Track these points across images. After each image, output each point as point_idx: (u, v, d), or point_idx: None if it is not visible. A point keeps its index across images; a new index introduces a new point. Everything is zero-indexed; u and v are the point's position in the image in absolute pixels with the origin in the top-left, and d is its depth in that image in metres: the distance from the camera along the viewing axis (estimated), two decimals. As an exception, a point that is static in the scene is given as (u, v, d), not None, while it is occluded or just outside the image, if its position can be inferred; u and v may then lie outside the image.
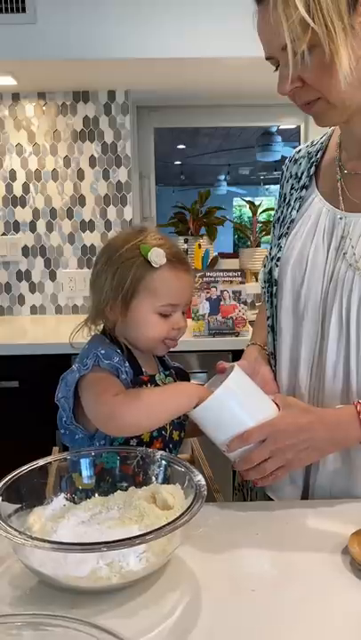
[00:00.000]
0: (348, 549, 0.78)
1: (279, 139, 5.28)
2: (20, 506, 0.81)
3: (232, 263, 2.84)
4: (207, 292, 2.19)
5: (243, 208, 7.64)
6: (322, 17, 0.80)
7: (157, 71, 2.32)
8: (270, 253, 1.13)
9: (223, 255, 3.04)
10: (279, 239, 1.08)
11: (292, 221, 1.06)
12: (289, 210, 1.09)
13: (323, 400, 1.00)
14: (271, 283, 1.07)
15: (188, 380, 1.11)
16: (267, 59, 0.93)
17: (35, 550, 0.69)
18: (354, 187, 1.00)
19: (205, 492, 0.78)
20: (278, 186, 1.19)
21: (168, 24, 2.10)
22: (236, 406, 0.89)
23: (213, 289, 2.19)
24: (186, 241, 2.81)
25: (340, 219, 0.99)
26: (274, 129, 5.14)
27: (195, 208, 2.90)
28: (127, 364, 0.98)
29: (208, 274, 2.24)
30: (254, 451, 0.88)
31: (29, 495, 0.84)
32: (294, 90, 0.90)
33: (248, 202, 3.14)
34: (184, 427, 1.06)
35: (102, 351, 0.96)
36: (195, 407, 0.89)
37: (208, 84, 2.55)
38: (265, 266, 1.24)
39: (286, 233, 1.06)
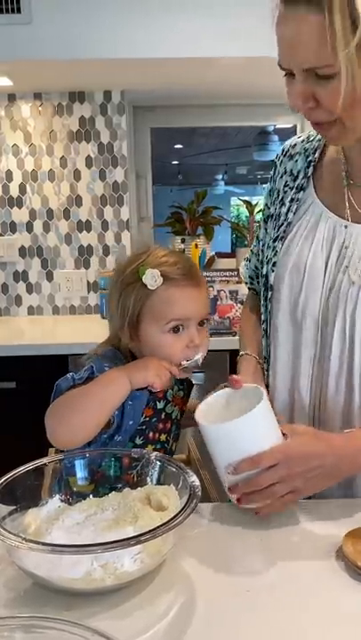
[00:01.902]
0: (342, 549, 0.78)
1: (276, 138, 5.27)
2: (14, 507, 0.81)
3: (229, 263, 2.84)
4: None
5: (240, 207, 7.64)
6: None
7: (154, 71, 2.32)
8: (263, 253, 1.12)
9: (220, 255, 3.04)
10: (275, 242, 1.06)
11: (289, 224, 1.04)
12: (284, 210, 1.06)
13: (325, 412, 0.99)
14: (267, 287, 1.06)
15: (191, 389, 1.11)
16: (280, 66, 0.88)
17: (29, 552, 0.69)
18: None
19: (200, 493, 0.78)
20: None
21: (164, 24, 2.09)
22: (259, 430, 0.85)
23: (210, 289, 2.19)
24: (183, 241, 2.81)
25: (345, 227, 0.97)
26: (271, 128, 5.14)
27: (192, 208, 2.90)
28: None
29: (205, 274, 2.24)
30: (263, 474, 0.83)
31: (24, 497, 0.84)
32: (307, 109, 0.87)
33: (245, 201, 3.14)
34: (178, 437, 1.07)
35: (106, 368, 0.95)
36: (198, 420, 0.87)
37: (204, 83, 2.55)
38: (249, 260, 1.23)
39: (282, 237, 1.04)
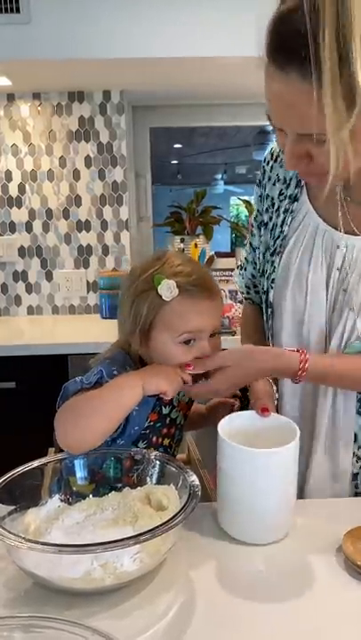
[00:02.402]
0: (341, 548, 0.79)
1: (275, 137, 5.27)
2: (14, 507, 0.81)
3: (228, 262, 2.84)
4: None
5: (240, 207, 7.62)
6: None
7: (153, 71, 2.32)
8: (259, 263, 1.10)
9: (220, 254, 3.03)
10: (272, 255, 1.04)
11: (285, 237, 1.02)
12: (279, 221, 1.04)
13: (337, 435, 1.01)
14: (268, 304, 1.05)
15: None
16: (269, 121, 0.84)
17: (29, 552, 0.69)
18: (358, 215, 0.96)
19: (199, 493, 0.78)
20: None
21: (163, 24, 2.09)
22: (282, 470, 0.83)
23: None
24: (182, 240, 2.81)
25: (343, 241, 0.96)
26: (270, 127, 5.14)
27: (191, 207, 2.90)
28: None
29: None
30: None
31: (24, 496, 0.84)
32: (302, 166, 0.84)
33: (244, 201, 3.14)
34: (180, 441, 1.08)
35: (115, 372, 0.94)
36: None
37: (204, 83, 2.55)
38: (244, 269, 1.22)
39: (279, 251, 1.02)
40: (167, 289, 0.92)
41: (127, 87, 2.60)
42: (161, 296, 0.92)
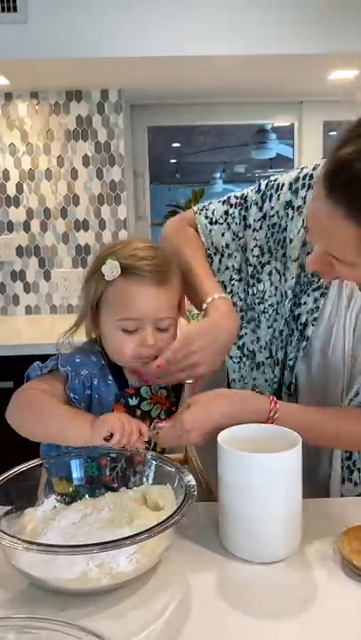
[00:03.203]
0: (338, 548, 0.78)
1: (274, 136, 5.27)
2: (10, 508, 0.81)
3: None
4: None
5: (239, 206, 7.59)
6: None
7: (151, 70, 2.31)
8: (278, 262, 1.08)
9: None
10: (314, 291, 1.02)
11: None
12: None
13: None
14: (303, 337, 1.03)
15: (181, 388, 1.06)
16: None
17: (24, 553, 0.69)
18: None
19: (195, 493, 0.78)
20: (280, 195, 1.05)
21: (161, 22, 2.09)
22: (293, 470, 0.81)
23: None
24: (180, 239, 2.81)
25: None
26: (269, 126, 5.13)
27: (189, 206, 2.90)
28: (110, 377, 0.98)
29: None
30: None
31: (20, 497, 0.84)
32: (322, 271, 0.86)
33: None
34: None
35: (77, 360, 0.96)
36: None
37: (202, 82, 2.54)
38: (219, 222, 1.12)
39: (324, 291, 1.01)
40: (109, 268, 0.91)
41: (125, 86, 2.59)
42: (104, 275, 0.92)
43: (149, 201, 2.97)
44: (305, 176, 1.02)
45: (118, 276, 0.92)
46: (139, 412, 1.00)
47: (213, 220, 1.13)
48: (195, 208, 1.15)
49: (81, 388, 0.95)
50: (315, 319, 1.02)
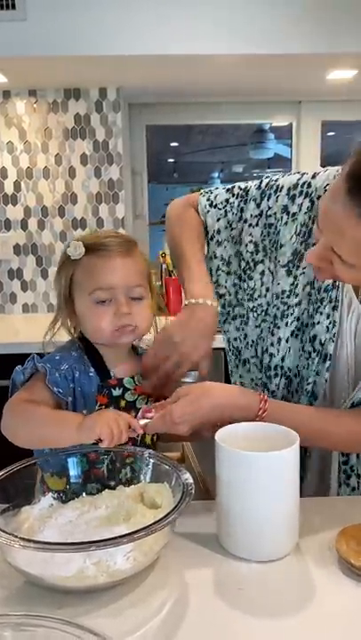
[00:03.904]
0: (335, 547, 0.78)
1: (272, 136, 5.28)
2: (7, 506, 0.81)
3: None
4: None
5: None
6: None
7: (149, 68, 2.31)
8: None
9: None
10: (326, 307, 1.00)
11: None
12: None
13: None
14: (325, 357, 1.01)
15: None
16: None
17: (21, 550, 0.69)
18: None
19: (193, 491, 0.77)
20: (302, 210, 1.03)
21: (160, 21, 2.08)
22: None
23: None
24: (178, 239, 2.81)
25: None
26: (267, 126, 5.14)
27: (187, 206, 2.89)
28: (92, 370, 0.98)
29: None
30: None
31: (18, 495, 0.83)
32: (317, 267, 0.87)
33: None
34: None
35: (57, 357, 0.97)
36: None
37: (200, 81, 2.54)
38: (216, 206, 1.14)
39: (336, 304, 1.00)
40: (73, 248, 0.96)
41: (124, 84, 2.59)
42: (70, 257, 0.96)
43: (147, 200, 2.97)
44: (303, 184, 1.03)
45: (84, 256, 0.96)
46: (123, 403, 0.99)
47: (214, 203, 1.15)
48: (202, 190, 1.19)
49: (64, 382, 0.96)
50: (334, 335, 0.99)
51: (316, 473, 1.06)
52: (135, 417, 0.91)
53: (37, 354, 0.99)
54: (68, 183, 2.65)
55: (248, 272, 1.10)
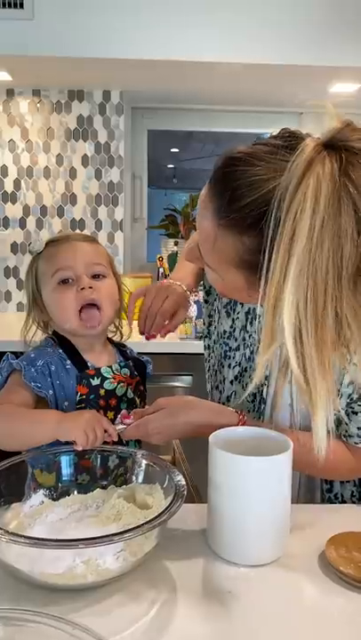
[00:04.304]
0: (325, 554, 0.79)
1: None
2: (-3, 502, 0.81)
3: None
4: (194, 295, 2.19)
5: (234, 214, 7.61)
6: None
7: (154, 73, 2.32)
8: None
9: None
10: (252, 353, 1.02)
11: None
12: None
13: None
14: (262, 401, 1.01)
15: (144, 369, 1.10)
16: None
17: (10, 546, 0.69)
18: None
19: (185, 493, 0.77)
20: None
21: (167, 26, 2.10)
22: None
23: (200, 292, 2.19)
24: (176, 243, 2.82)
25: None
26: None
27: (186, 211, 2.90)
28: (68, 362, 0.99)
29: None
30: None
31: (8, 492, 0.83)
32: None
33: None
34: None
35: (32, 355, 0.99)
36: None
37: (204, 88, 2.56)
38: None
39: (253, 348, 1.03)
40: (34, 242, 1.03)
41: (127, 88, 2.60)
42: (33, 253, 1.03)
43: (146, 204, 2.98)
44: None
45: (45, 248, 1.01)
46: (103, 392, 1.01)
47: None
48: None
49: (41, 377, 0.97)
50: (266, 378, 0.99)
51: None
52: (115, 414, 0.95)
53: (12, 352, 1.00)
54: (68, 184, 2.66)
55: (207, 307, 1.16)
